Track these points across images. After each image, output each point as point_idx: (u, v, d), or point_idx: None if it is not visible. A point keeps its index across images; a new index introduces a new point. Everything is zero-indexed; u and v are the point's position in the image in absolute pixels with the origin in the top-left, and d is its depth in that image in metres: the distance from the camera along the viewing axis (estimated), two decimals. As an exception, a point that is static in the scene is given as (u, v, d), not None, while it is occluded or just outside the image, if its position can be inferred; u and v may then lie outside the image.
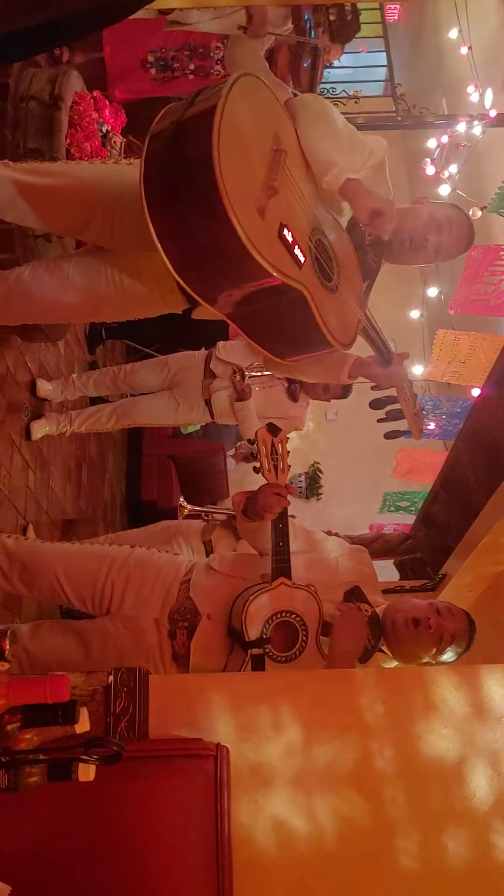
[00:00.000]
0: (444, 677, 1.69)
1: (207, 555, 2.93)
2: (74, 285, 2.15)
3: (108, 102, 3.46)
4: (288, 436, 2.19)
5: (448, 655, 1.97)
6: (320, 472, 7.94)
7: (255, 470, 2.11)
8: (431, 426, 5.18)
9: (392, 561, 4.22)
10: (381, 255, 2.19)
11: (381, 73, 7.54)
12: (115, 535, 3.27)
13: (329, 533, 2.47)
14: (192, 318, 2.16)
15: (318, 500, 7.92)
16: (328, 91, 6.38)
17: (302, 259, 1.78)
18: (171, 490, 5.64)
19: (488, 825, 1.54)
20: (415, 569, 3.96)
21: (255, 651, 1.89)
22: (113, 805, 1.41)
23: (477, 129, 5.56)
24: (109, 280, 2.14)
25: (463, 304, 5.13)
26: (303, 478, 7.87)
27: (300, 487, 7.81)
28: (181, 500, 4.21)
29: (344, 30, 3.82)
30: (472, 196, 5.53)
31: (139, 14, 2.07)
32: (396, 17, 8.42)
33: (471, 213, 4.17)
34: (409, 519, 4.84)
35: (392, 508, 5.63)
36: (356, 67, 7.61)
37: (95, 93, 3.30)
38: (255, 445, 2.28)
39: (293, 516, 2.10)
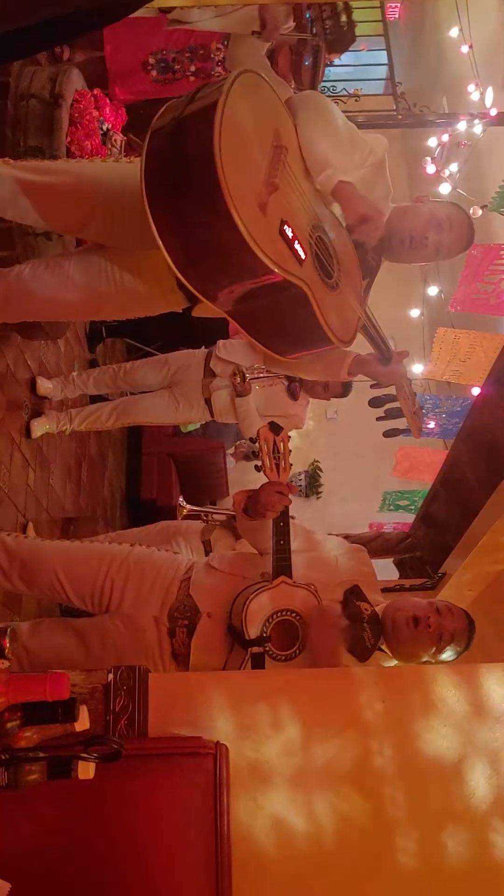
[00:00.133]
0: (443, 676, 1.69)
1: (207, 554, 2.92)
2: (75, 283, 2.15)
3: (108, 101, 3.45)
4: (289, 434, 2.19)
5: (447, 654, 1.96)
6: (320, 470, 7.95)
7: (257, 468, 2.11)
8: (431, 425, 5.18)
9: (392, 560, 4.21)
10: (381, 253, 2.19)
11: (382, 72, 7.53)
12: (115, 533, 3.27)
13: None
14: (193, 317, 2.16)
15: (318, 498, 7.93)
16: (329, 89, 6.36)
17: (303, 255, 1.78)
18: (171, 488, 5.64)
19: (487, 824, 1.54)
20: (414, 567, 3.96)
21: (255, 649, 1.89)
22: (112, 803, 1.41)
23: (477, 128, 5.56)
24: (110, 278, 2.13)
25: (463, 302, 5.13)
26: (302, 476, 7.87)
27: (300, 486, 7.81)
28: (180, 499, 4.20)
29: (338, 41, 3.82)
30: (473, 195, 5.54)
31: (140, 12, 2.06)
32: (397, 16, 8.43)
33: (471, 211, 4.18)
34: (409, 518, 4.84)
35: (392, 507, 5.63)
36: (357, 66, 7.60)
37: (96, 91, 3.29)
38: (256, 444, 2.28)
39: (293, 517, 2.10)
